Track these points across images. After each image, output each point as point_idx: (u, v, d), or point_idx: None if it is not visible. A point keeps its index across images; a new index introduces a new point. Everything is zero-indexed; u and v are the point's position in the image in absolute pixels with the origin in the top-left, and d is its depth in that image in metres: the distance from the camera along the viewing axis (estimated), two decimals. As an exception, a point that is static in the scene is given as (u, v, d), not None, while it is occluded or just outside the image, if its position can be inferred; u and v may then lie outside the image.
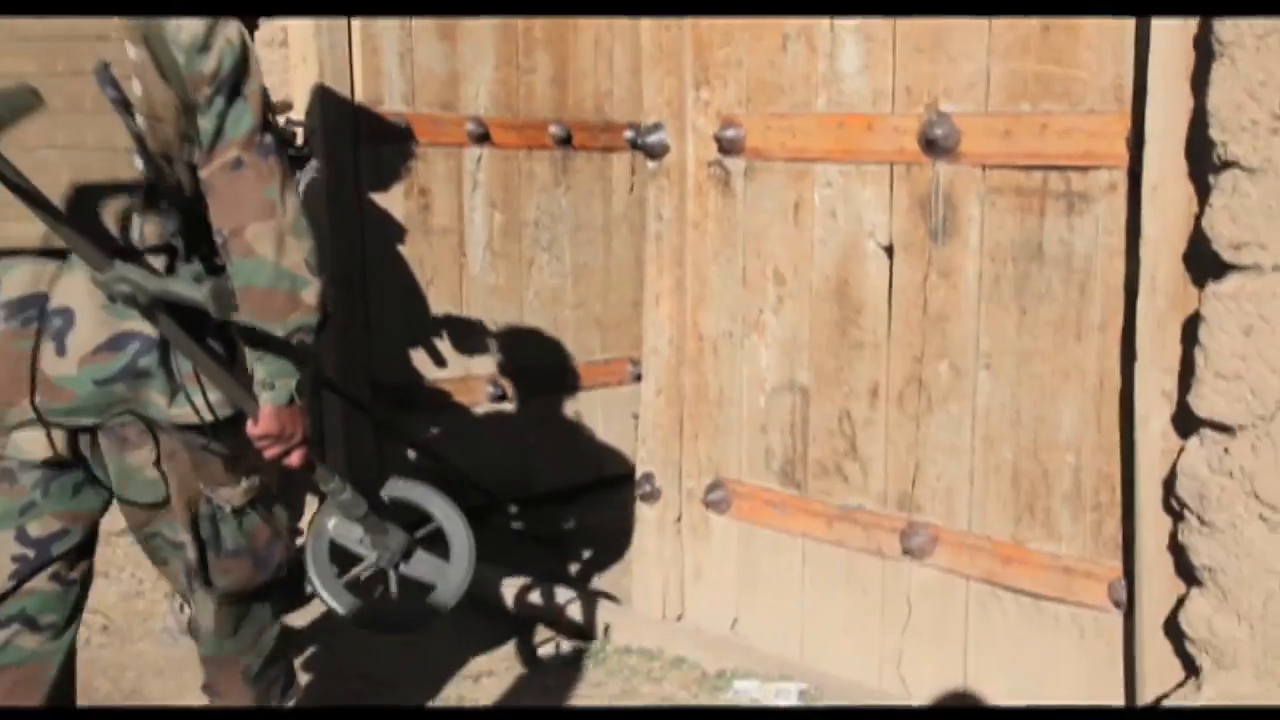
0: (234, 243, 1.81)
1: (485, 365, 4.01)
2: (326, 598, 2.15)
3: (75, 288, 1.77)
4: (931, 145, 2.48)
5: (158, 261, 1.83)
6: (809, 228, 2.71)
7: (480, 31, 3.87)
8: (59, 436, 1.84)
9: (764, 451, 2.85)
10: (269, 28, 3.64)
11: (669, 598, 3.05)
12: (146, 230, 1.80)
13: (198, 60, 1.77)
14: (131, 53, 1.74)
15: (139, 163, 1.75)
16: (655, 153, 2.91)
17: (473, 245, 3.93)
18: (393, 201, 3.71)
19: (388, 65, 3.64)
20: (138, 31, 1.74)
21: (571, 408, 4.29)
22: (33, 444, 1.83)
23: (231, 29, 1.81)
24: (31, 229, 1.71)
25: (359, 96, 3.59)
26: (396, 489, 2.20)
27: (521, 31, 3.99)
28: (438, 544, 2.19)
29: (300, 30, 3.54)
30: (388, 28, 3.63)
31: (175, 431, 1.87)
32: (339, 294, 3.49)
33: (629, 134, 4.32)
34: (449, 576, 2.17)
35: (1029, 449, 2.43)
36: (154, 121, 1.76)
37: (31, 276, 1.77)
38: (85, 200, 1.75)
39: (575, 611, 3.09)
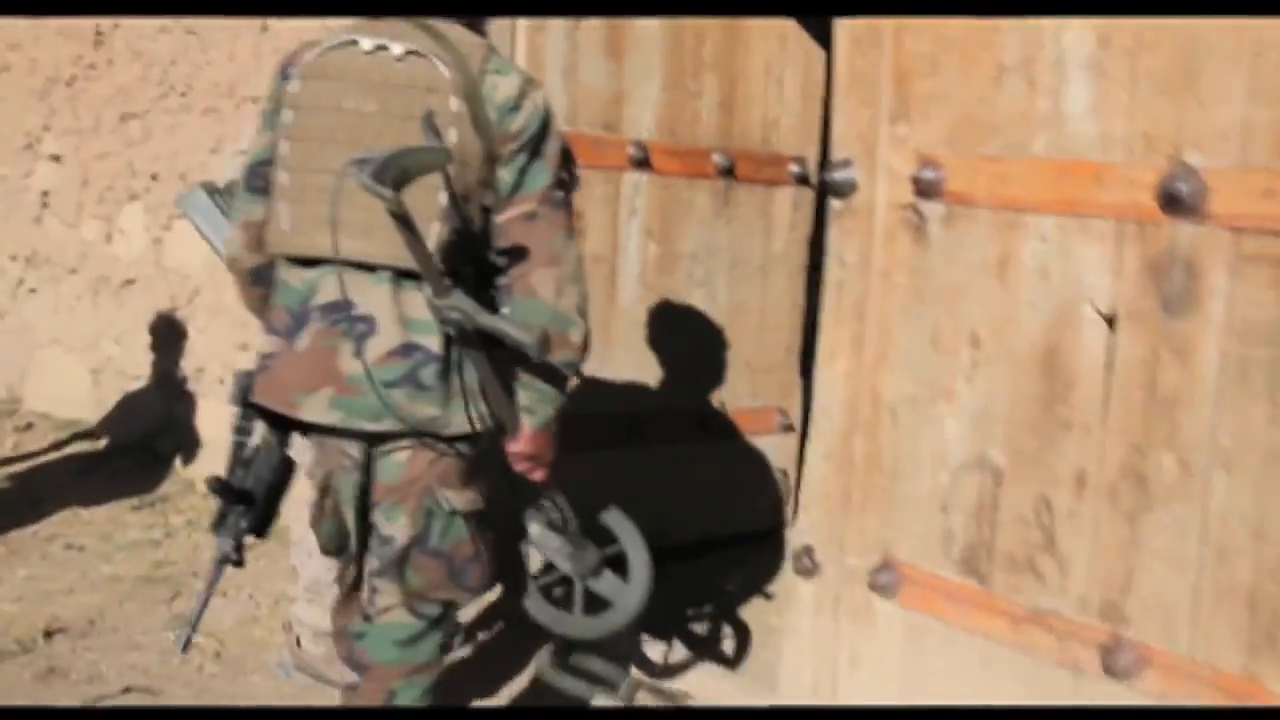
0: (519, 284, 2.08)
1: (625, 404, 3.75)
2: (525, 600, 2.40)
3: (379, 299, 2.04)
4: (1172, 202, 2.13)
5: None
6: (1016, 287, 2.38)
7: (648, 49, 3.63)
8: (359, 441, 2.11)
9: (943, 534, 2.52)
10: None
11: (820, 684, 2.74)
12: (440, 259, 2.00)
13: (508, 119, 2.05)
14: (453, 105, 2.01)
15: (443, 199, 2.00)
16: (842, 191, 2.62)
17: (625, 276, 3.68)
18: (544, 225, 3.48)
19: (550, 80, 3.42)
20: (461, 87, 2.02)
21: (714, 456, 3.99)
22: (354, 447, 2.12)
23: (539, 95, 2.10)
24: (370, 246, 2.00)
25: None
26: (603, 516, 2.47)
27: (690, 51, 3.74)
28: (618, 567, 2.42)
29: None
30: (554, 40, 3.42)
31: (432, 438, 2.10)
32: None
33: (795, 168, 4.03)
34: (626, 598, 2.39)
35: (1274, 568, 2.05)
36: (462, 166, 2.01)
37: (340, 286, 2.01)
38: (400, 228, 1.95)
39: (714, 690, 2.80)
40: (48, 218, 5.23)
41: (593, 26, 3.51)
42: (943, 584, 2.51)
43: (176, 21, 4.40)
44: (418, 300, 2.03)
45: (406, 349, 2.03)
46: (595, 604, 2.42)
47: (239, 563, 2.23)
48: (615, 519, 2.46)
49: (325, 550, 2.29)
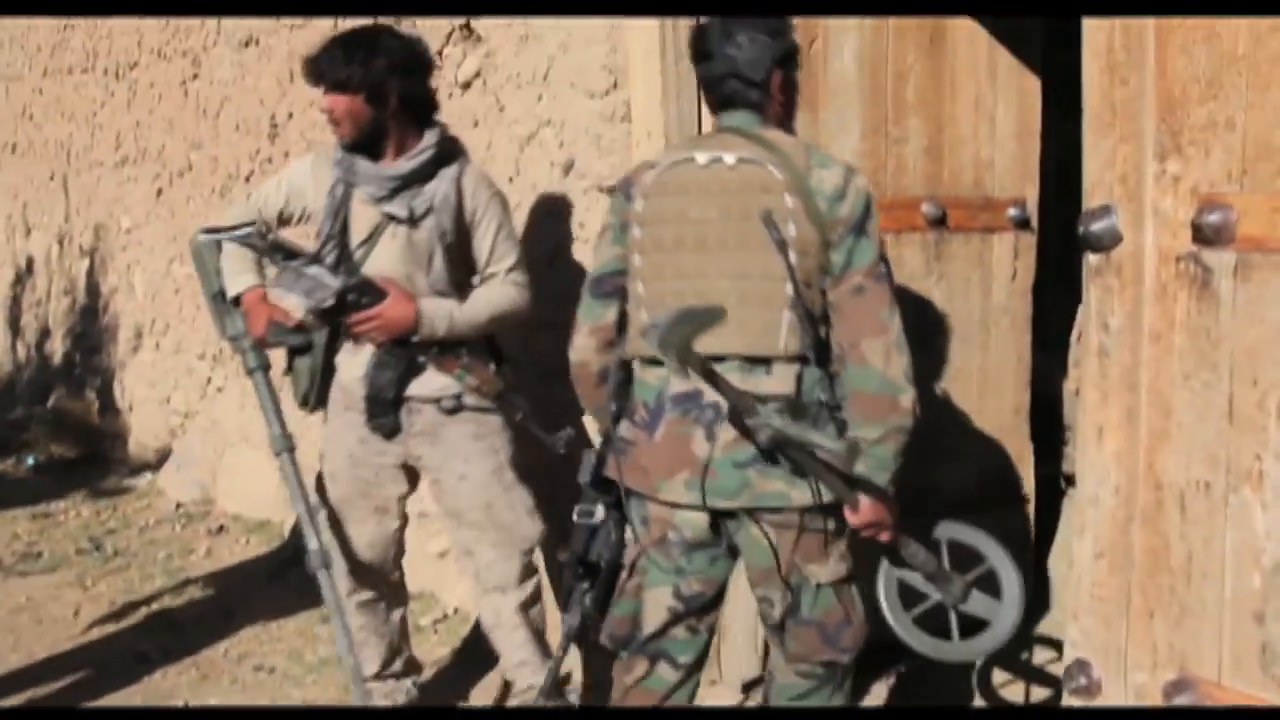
0: (851, 354, 2.25)
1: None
2: (902, 634, 2.45)
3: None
4: None
5: (794, 368, 2.27)
6: (1338, 347, 1.95)
7: (846, 98, 3.31)
8: (704, 519, 2.32)
9: (1258, 648, 2.08)
10: (609, 101, 3.22)
11: (1106, 824, 2.32)
12: (789, 343, 2.25)
13: (837, 206, 2.26)
14: (789, 201, 2.24)
15: (789, 289, 2.22)
16: (1102, 244, 2.23)
17: (832, 345, 3.34)
18: (741, 296, 3.19)
19: (740, 139, 3.13)
20: (791, 185, 2.24)
21: (930, 532, 3.59)
22: (690, 525, 2.34)
23: (860, 179, 2.31)
24: (716, 341, 2.16)
25: (707, 176, 3.10)
26: (950, 531, 2.53)
27: (891, 95, 3.40)
28: (988, 585, 2.46)
29: (645, 101, 3.10)
30: (743, 96, 3.12)
31: (787, 511, 2.28)
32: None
33: (1013, 211, 3.64)
34: (1002, 616, 2.45)
35: None
36: (802, 256, 2.23)
37: (691, 377, 2.18)
38: (747, 319, 2.23)
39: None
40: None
41: (784, 78, 3.21)
42: (1264, 706, 2.07)
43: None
44: (764, 384, 2.24)
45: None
46: (970, 626, 2.48)
47: (586, 639, 2.40)
48: (976, 536, 2.51)
49: (614, 635, 2.45)
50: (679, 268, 2.30)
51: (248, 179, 4.98)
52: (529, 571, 3.14)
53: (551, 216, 3.47)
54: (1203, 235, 2.10)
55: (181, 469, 5.57)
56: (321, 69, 2.88)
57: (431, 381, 3.01)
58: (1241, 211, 2.05)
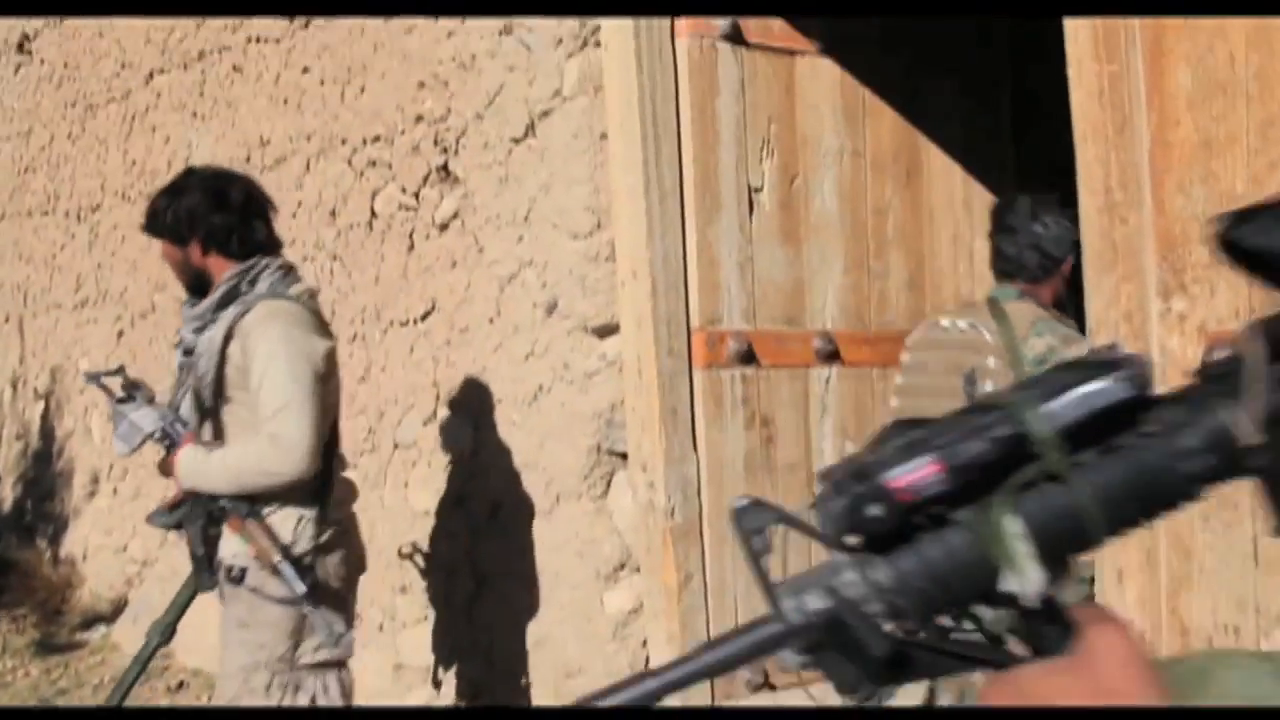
0: None
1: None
2: None
3: None
4: None
5: None
6: (1363, 486, 1.91)
7: (827, 231, 3.32)
8: None
9: (1301, 802, 2.00)
10: (593, 242, 3.19)
11: None
12: None
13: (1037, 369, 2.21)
14: (992, 363, 2.48)
15: None
16: (1110, 382, 2.21)
17: (823, 483, 3.28)
18: (731, 436, 3.13)
19: (726, 277, 3.12)
20: (1000, 348, 2.51)
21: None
22: None
23: (1065, 349, 2.48)
24: None
25: (695, 316, 3.07)
26: None
27: (872, 230, 3.41)
28: None
29: (630, 242, 3.07)
30: (727, 232, 3.12)
31: None
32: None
33: (996, 342, 3.63)
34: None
35: None
36: None
37: None
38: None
39: None
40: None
41: (767, 215, 3.22)
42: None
43: (318, 248, 4.27)
44: None
45: None
46: None
47: None
48: None
49: None
50: (920, 411, 2.54)
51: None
52: None
53: (533, 357, 3.41)
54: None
55: (138, 621, 5.34)
56: (146, 220, 2.93)
57: (228, 543, 2.81)
58: (1253, 349, 2.03)
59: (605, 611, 3.30)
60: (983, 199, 3.64)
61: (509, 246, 3.44)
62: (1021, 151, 3.82)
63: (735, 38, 3.14)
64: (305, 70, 4.24)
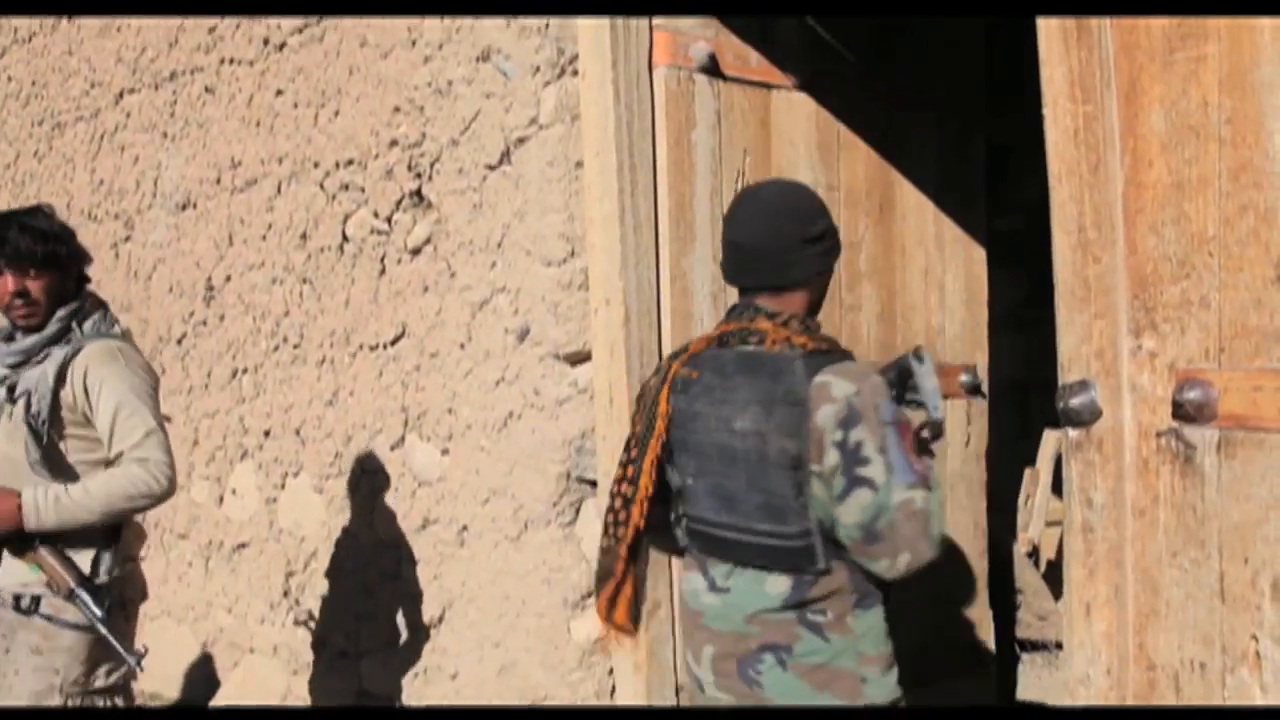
0: None
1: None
2: None
3: None
4: None
5: None
6: (1330, 524, 1.94)
7: (800, 265, 3.33)
8: None
9: (1266, 839, 2.01)
10: (566, 269, 3.19)
11: None
12: None
13: None
14: None
15: None
16: (1081, 419, 2.22)
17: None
18: (702, 465, 3.12)
19: (698, 307, 3.12)
20: None
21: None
22: None
23: None
24: None
25: (667, 345, 3.07)
26: None
27: (844, 263, 3.43)
28: None
29: (604, 269, 3.07)
30: (701, 261, 3.13)
31: None
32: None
33: (965, 378, 3.65)
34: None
35: None
36: None
37: None
38: None
39: None
40: (157, 479, 5.00)
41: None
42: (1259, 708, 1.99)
43: (288, 271, 4.24)
44: None
45: None
46: None
47: None
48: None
49: None
50: None
51: (179, 341, 4.85)
52: None
53: (504, 384, 3.40)
54: (1184, 412, 2.10)
55: (94, 645, 5.25)
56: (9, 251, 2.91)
57: (13, 572, 2.82)
58: (1223, 389, 2.06)
59: (572, 639, 3.28)
60: (954, 235, 3.68)
61: (481, 272, 3.44)
62: (994, 189, 3.87)
63: (712, 70, 3.16)
64: (279, 93, 4.22)
